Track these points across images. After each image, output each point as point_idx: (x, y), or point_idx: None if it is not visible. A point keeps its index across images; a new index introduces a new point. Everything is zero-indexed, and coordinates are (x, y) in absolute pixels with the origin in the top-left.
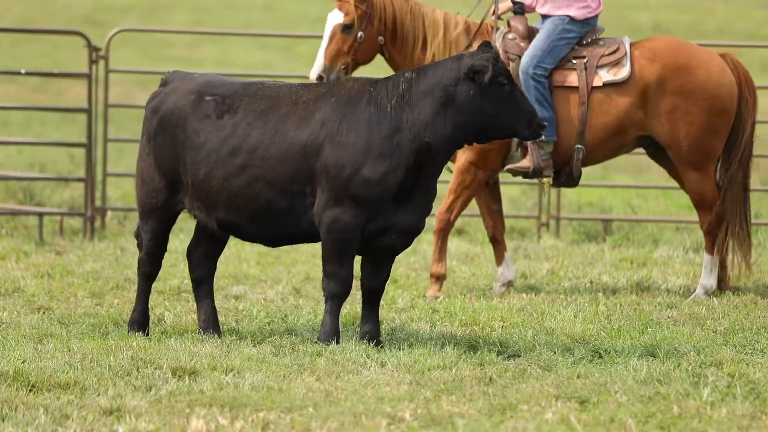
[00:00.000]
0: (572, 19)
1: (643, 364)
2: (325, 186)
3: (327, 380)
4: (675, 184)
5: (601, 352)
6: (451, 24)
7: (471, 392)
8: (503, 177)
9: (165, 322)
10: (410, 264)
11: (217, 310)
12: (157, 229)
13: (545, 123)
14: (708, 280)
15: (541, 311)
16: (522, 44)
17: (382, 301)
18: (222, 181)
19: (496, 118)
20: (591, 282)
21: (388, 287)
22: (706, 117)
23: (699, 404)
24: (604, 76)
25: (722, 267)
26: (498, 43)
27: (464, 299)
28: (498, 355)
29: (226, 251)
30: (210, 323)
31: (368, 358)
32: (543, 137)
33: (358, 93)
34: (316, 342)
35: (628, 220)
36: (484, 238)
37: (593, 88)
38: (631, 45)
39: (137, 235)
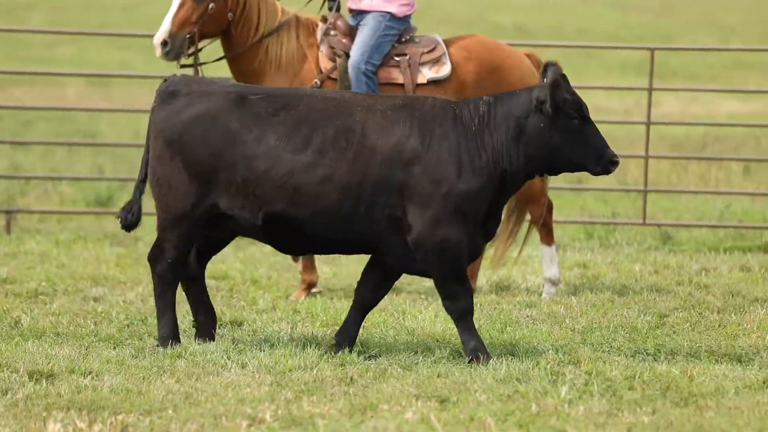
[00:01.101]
0: (393, 16)
1: (503, 362)
2: (423, 203)
3: (187, 382)
4: None
5: (462, 351)
6: (285, 14)
7: (332, 392)
8: None
9: (22, 325)
10: (272, 264)
11: (77, 313)
12: (186, 235)
13: (617, 158)
14: (551, 271)
15: (402, 311)
16: (345, 41)
17: (242, 302)
18: (286, 177)
19: (564, 152)
20: None
21: (248, 288)
22: None
23: (557, 402)
24: (427, 73)
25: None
26: (321, 39)
27: (325, 300)
28: (359, 356)
29: (84, 253)
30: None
31: (229, 359)
32: None
33: (442, 110)
34: (469, 362)
35: None
36: None
37: (418, 85)
38: (446, 43)
39: (153, 258)
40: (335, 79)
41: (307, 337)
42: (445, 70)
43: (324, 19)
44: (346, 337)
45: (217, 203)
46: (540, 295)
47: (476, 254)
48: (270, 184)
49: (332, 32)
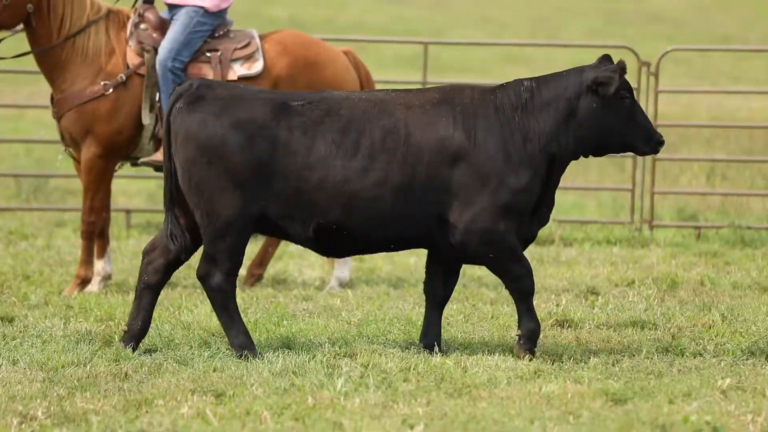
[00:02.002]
0: (206, 11)
1: (279, 356)
2: (469, 200)
3: None
4: None
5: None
6: (95, 8)
7: (106, 388)
8: (142, 171)
9: None
10: (44, 259)
11: None
12: (238, 244)
13: (663, 139)
14: (342, 271)
15: (178, 306)
16: (155, 35)
17: (13, 298)
18: (341, 185)
19: (617, 133)
20: None
21: (20, 283)
22: None
23: (333, 395)
24: (238, 70)
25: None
26: (130, 33)
27: (99, 295)
28: (134, 351)
29: None
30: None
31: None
32: None
33: (481, 101)
34: (518, 340)
35: None
36: (120, 232)
37: (228, 81)
38: (261, 38)
39: (205, 273)
40: (142, 75)
41: (80, 332)
42: (257, 66)
43: (136, 12)
44: (432, 337)
45: (267, 212)
46: (317, 288)
47: (525, 240)
48: (324, 194)
49: (142, 26)
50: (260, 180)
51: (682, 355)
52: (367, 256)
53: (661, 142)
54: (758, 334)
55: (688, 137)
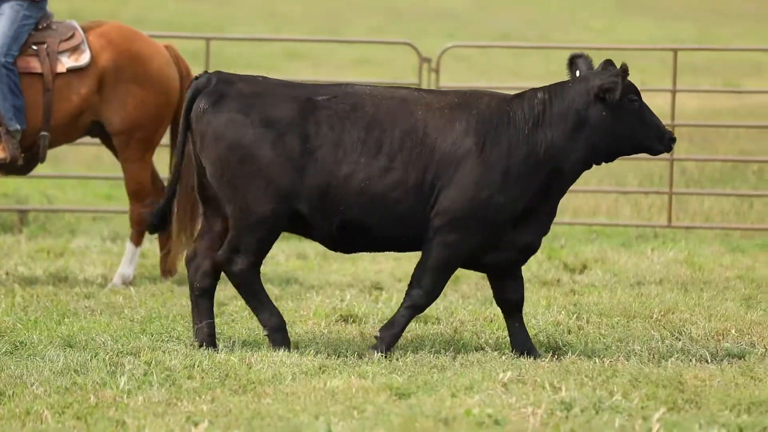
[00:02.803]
0: (30, 3)
1: (60, 354)
2: (456, 201)
3: None
4: (93, 173)
5: (18, 344)
6: None
7: None
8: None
9: None
10: None
11: None
12: (267, 238)
13: (674, 136)
14: (127, 269)
15: None
16: None
17: None
18: (364, 181)
19: (628, 137)
20: (7, 273)
21: None
22: (155, 107)
23: (116, 393)
24: (66, 62)
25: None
26: None
27: None
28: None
29: None
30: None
31: None
32: (18, 126)
33: (498, 111)
34: (373, 348)
35: (44, 210)
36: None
37: (57, 74)
38: (84, 30)
39: (228, 260)
40: None
41: None
42: (84, 58)
43: None
44: (522, 345)
45: (298, 208)
46: (99, 285)
47: (525, 247)
48: (349, 190)
49: None
50: (292, 176)
51: (464, 349)
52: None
53: (673, 139)
54: (538, 327)
55: None
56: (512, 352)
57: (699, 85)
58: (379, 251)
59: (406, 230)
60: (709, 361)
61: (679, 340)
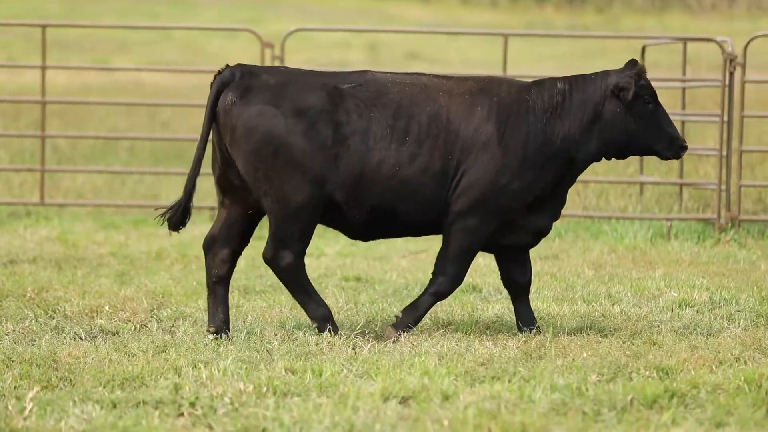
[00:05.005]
0: None
1: None
2: (473, 186)
3: None
4: None
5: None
6: None
7: None
8: None
9: None
10: None
11: None
12: (308, 227)
13: (686, 144)
14: None
15: None
16: None
17: None
18: (394, 168)
19: (638, 137)
20: None
21: None
22: None
23: None
24: None
25: None
26: None
27: None
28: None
29: None
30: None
31: None
32: None
33: (518, 98)
34: (393, 326)
35: None
36: None
37: None
38: None
39: (273, 254)
40: None
41: None
42: None
43: None
44: (528, 323)
45: (333, 195)
46: None
47: (538, 231)
48: (381, 176)
49: None
50: (327, 164)
51: None
52: None
53: (684, 147)
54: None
55: None
56: (518, 330)
57: (68, 61)
58: (398, 237)
59: (428, 214)
60: (84, 338)
61: (53, 318)
